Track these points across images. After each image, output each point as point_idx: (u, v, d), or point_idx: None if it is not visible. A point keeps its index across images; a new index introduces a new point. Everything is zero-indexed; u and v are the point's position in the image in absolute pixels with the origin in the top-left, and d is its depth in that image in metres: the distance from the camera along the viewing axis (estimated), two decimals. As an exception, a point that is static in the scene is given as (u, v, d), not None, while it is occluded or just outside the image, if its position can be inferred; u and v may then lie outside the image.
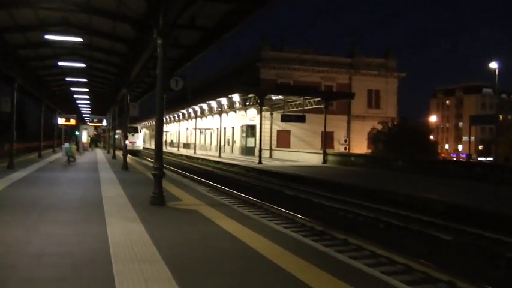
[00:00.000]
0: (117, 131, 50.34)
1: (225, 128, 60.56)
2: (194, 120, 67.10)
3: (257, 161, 38.19)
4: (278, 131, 55.55)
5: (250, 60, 60.55)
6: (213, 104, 55.77)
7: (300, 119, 43.92)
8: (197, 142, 65.89)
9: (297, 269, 6.69)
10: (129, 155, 29.85)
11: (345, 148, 57.06)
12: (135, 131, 60.57)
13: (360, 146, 58.27)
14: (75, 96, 46.21)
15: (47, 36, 19.54)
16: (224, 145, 60.53)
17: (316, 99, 43.22)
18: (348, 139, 59.01)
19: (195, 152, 60.19)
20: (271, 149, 52.29)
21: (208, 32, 18.54)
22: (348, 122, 60.95)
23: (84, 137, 49.27)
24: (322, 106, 41.29)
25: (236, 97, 47.42)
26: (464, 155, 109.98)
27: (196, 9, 15.58)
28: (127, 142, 44.11)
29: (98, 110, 59.70)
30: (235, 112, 58.67)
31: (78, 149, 40.21)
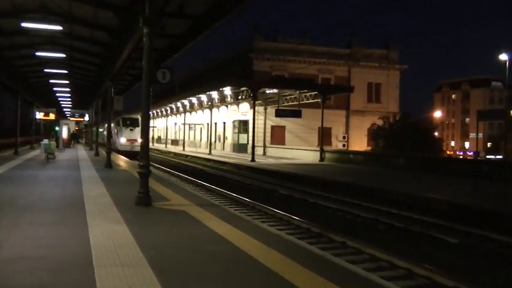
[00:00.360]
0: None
1: (215, 124, 60.33)
2: (183, 115, 66.68)
3: (250, 159, 38.16)
4: (272, 127, 55.51)
5: (242, 51, 60.45)
6: (203, 97, 55.60)
7: (296, 114, 43.94)
8: (186, 138, 65.63)
9: (290, 272, 6.70)
10: (120, 157, 29.68)
11: (344, 145, 57.19)
12: (135, 124, 47.04)
13: (360, 143, 58.41)
14: (55, 89, 46.05)
15: (24, 24, 19.38)
16: (215, 141, 60.40)
17: (312, 93, 43.18)
18: (346, 135, 59.19)
19: (183, 149, 59.92)
20: (265, 146, 52.13)
21: (197, 21, 18.49)
22: (347, 117, 61.07)
23: (65, 133, 49.03)
24: (319, 100, 41.07)
25: (227, 90, 47.26)
26: (471, 153, 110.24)
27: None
28: (123, 140, 45.20)
29: (79, 104, 59.54)
30: (227, 106, 58.63)
31: (58, 146, 40.05)
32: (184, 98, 60.40)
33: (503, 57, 42.11)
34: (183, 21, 19.21)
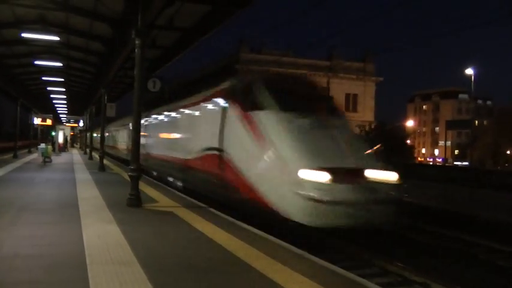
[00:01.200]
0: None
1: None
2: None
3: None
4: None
5: (229, 62, 60.55)
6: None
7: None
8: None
9: (272, 270, 6.70)
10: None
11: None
12: None
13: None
14: (51, 95, 45.67)
15: (24, 34, 19.28)
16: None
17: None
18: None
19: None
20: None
21: (186, 33, 18.47)
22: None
23: (61, 138, 48.58)
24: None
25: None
26: (440, 159, 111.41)
27: (175, 9, 15.50)
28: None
29: (74, 110, 59.05)
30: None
31: (54, 150, 39.71)
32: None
33: (469, 71, 42.50)
34: (173, 33, 19.18)
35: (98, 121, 37.36)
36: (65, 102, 52.50)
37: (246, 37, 77.00)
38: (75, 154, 46.74)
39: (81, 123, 58.84)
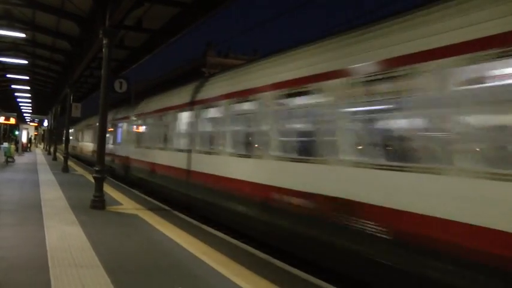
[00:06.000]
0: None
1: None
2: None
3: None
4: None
5: (196, 65, 60.47)
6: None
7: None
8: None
9: (233, 273, 6.79)
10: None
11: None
12: None
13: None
14: (16, 94, 44.98)
15: (-12, 30, 18.99)
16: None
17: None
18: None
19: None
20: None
21: (154, 35, 18.44)
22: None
23: (25, 137, 47.82)
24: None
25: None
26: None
27: (143, 11, 15.49)
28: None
29: (40, 110, 58.26)
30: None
31: (17, 150, 39.07)
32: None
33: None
34: (141, 35, 19.13)
35: (63, 121, 36.91)
36: (30, 100, 51.75)
37: (214, 41, 77.12)
38: (39, 154, 46.07)
39: (45, 123, 57.99)
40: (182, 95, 15.16)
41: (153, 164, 17.13)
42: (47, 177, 20.67)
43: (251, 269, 7.14)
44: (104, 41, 12.66)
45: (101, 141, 13.05)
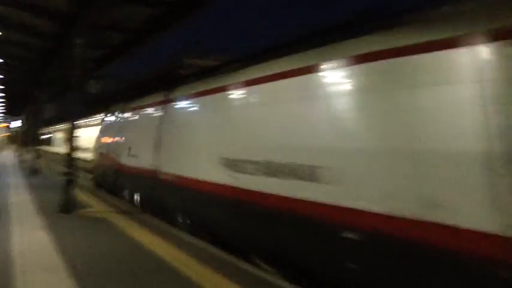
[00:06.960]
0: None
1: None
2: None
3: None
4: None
5: (173, 66, 60.43)
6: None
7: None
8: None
9: (205, 279, 6.63)
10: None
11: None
12: None
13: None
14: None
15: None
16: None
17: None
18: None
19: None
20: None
21: (130, 35, 18.26)
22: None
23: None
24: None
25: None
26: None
27: (120, 10, 15.30)
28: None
29: (13, 110, 57.63)
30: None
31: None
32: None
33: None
34: (116, 34, 18.90)
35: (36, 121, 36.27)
36: (3, 100, 51.09)
37: (191, 43, 77.15)
38: (10, 155, 45.42)
39: (18, 123, 57.38)
40: None
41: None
42: (15, 180, 20.46)
43: (219, 273, 6.95)
44: (78, 40, 12.52)
45: (70, 142, 12.82)
